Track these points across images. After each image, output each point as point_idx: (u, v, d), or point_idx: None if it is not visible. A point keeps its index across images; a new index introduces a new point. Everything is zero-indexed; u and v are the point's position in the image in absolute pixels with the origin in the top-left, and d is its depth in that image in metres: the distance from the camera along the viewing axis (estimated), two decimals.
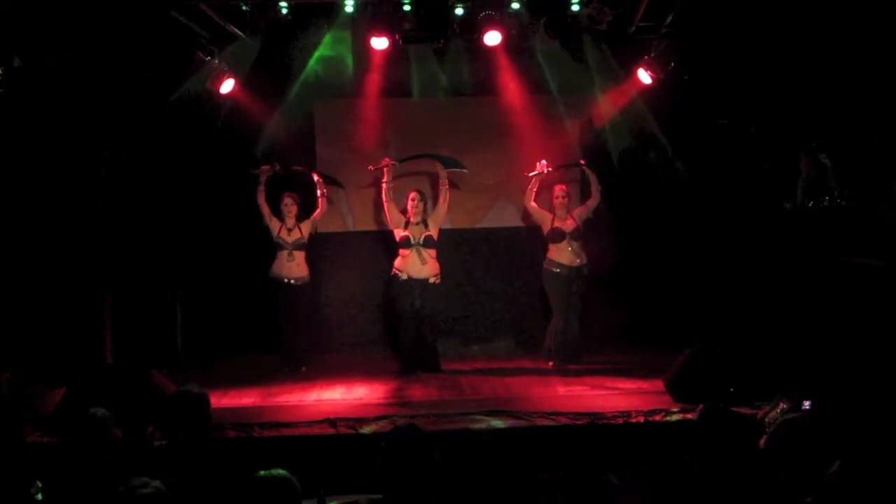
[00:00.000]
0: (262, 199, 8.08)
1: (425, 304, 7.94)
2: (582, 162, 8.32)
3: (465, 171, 8.34)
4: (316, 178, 8.29)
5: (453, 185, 8.36)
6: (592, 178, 8.16)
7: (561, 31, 7.83)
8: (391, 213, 7.96)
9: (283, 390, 7.32)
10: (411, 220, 7.92)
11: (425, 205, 8.05)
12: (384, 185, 7.95)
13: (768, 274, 7.40)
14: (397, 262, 7.97)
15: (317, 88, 9.01)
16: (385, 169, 7.96)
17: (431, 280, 7.94)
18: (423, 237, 7.91)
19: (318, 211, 8.25)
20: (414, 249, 7.88)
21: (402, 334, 8.03)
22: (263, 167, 8.08)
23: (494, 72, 8.72)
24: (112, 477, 3.80)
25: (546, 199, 8.17)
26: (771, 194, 7.77)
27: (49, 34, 7.03)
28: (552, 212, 8.08)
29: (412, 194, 7.99)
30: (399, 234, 7.94)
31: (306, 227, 8.21)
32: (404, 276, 7.90)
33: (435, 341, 8.11)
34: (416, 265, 7.89)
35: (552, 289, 8.11)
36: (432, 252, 7.95)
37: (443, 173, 8.07)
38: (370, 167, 8.20)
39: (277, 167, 8.14)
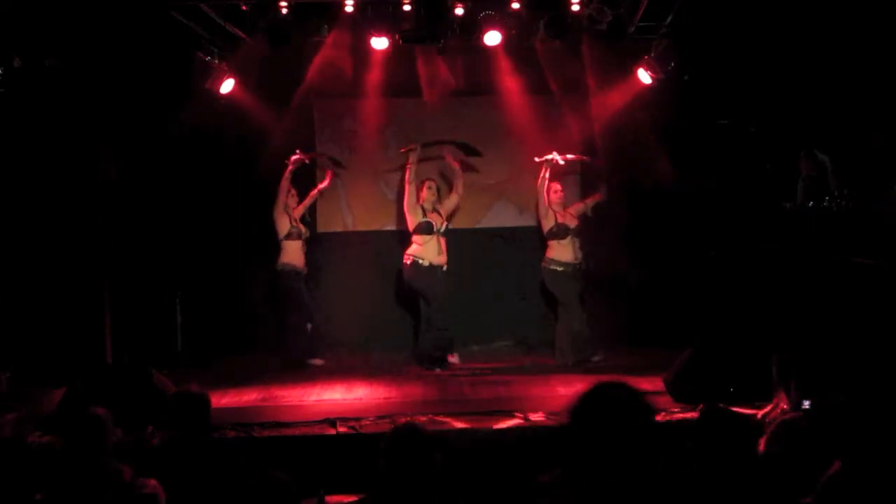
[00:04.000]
0: (290, 184, 8.20)
1: (448, 291, 8.00)
2: (596, 162, 8.29)
3: (480, 155, 8.53)
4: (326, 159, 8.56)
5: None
6: (603, 175, 8.18)
7: (561, 31, 7.83)
8: (411, 196, 7.97)
9: (283, 390, 7.31)
10: (425, 206, 7.97)
11: (438, 195, 8.11)
12: (409, 167, 8.01)
13: (768, 274, 7.40)
14: (415, 249, 7.93)
15: (317, 88, 9.02)
16: (410, 153, 8.05)
17: (446, 268, 7.99)
18: (443, 226, 7.96)
19: (325, 184, 8.51)
20: (435, 237, 7.93)
21: (425, 330, 8.02)
22: (295, 157, 8.21)
23: (494, 72, 8.71)
24: (112, 477, 3.80)
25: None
26: (771, 194, 7.77)
27: (49, 34, 7.02)
28: (550, 207, 8.10)
29: (428, 182, 8.10)
30: (417, 218, 7.94)
31: (297, 212, 8.38)
32: (426, 263, 7.89)
33: (447, 330, 8.13)
34: (435, 252, 7.92)
35: (560, 287, 8.10)
36: (444, 241, 8.00)
37: (457, 167, 8.17)
38: (401, 150, 8.28)
39: (307, 157, 8.33)
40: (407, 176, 8.03)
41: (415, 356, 8.11)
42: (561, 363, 8.05)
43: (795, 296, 6.84)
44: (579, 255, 8.09)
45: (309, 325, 8.32)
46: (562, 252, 8.06)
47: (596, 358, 8.03)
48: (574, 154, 8.25)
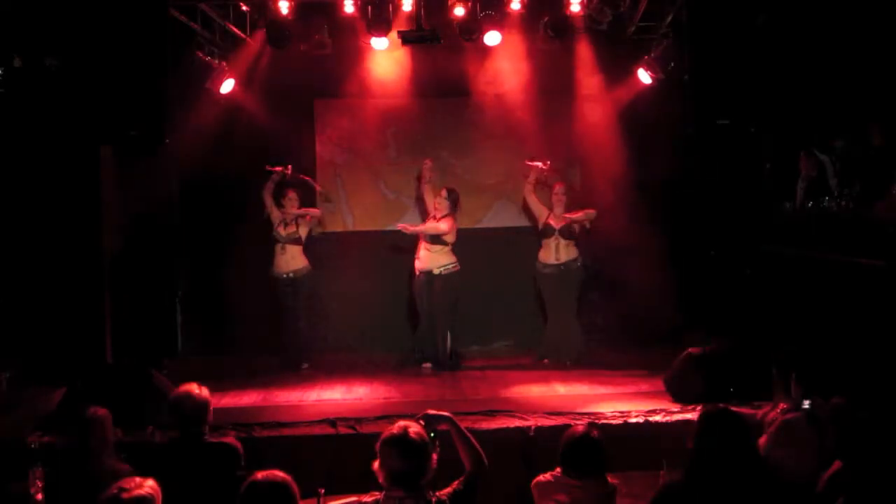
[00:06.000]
0: (268, 193, 8.13)
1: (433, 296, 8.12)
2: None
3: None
4: (317, 188, 8.51)
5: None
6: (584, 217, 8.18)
7: (561, 30, 7.83)
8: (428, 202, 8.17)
9: (283, 390, 7.31)
10: (436, 215, 8.03)
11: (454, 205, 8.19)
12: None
13: (768, 274, 7.40)
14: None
15: (317, 88, 9.03)
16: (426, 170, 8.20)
17: (438, 272, 8.04)
18: (426, 232, 8.03)
19: (309, 217, 8.31)
20: (420, 241, 8.03)
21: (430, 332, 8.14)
22: (277, 168, 8.09)
23: (494, 72, 8.72)
24: (112, 477, 3.80)
25: (546, 195, 8.21)
26: (771, 194, 7.77)
27: (49, 34, 7.02)
28: (550, 209, 8.13)
29: (443, 191, 8.10)
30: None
31: (304, 225, 8.26)
32: (417, 271, 8.07)
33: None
34: (417, 256, 8.05)
35: (544, 289, 8.18)
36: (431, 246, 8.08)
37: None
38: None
39: (289, 171, 8.15)
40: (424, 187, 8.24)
41: (432, 359, 8.12)
42: (555, 362, 8.06)
43: (795, 296, 6.84)
44: (566, 256, 8.06)
45: (299, 329, 8.27)
46: (546, 253, 8.09)
47: (569, 361, 8.05)
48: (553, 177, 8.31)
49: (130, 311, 7.82)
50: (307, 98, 9.15)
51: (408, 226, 8.00)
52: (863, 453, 3.28)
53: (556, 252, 8.05)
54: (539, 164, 8.06)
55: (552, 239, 8.05)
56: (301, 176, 8.33)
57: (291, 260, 8.17)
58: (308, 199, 8.46)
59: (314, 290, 8.52)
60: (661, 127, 8.40)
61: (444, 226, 7.96)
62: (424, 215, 8.48)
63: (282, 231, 8.15)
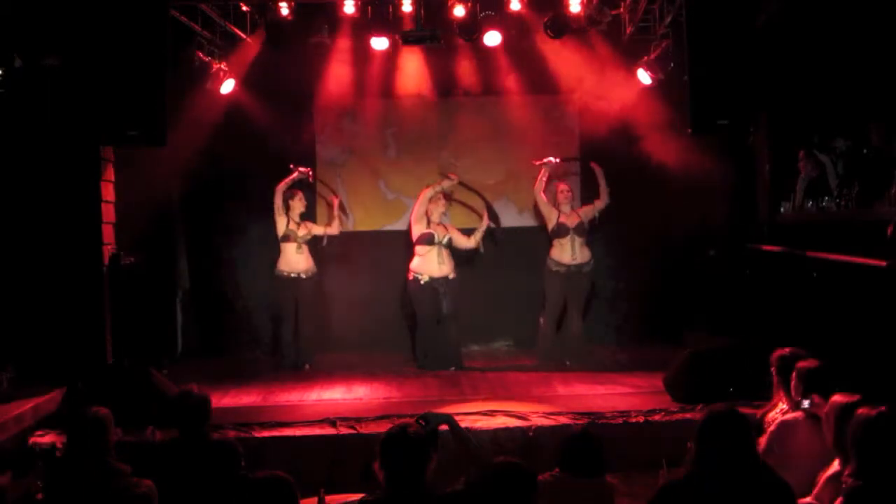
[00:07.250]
0: (282, 192, 8.07)
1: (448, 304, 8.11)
2: (592, 164, 8.29)
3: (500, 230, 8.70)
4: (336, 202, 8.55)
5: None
6: (601, 177, 8.15)
7: (561, 30, 7.84)
8: (421, 206, 8.09)
9: (283, 390, 7.32)
10: (431, 218, 8.02)
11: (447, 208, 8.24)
12: (434, 187, 8.10)
13: (767, 274, 7.40)
14: (416, 263, 8.04)
15: (317, 88, 9.03)
16: (446, 179, 8.21)
17: (453, 276, 8.07)
18: (445, 237, 8.04)
19: (328, 228, 8.36)
20: (436, 248, 8.01)
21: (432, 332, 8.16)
22: (302, 169, 8.11)
23: (494, 72, 8.73)
24: (112, 477, 3.81)
25: (550, 195, 8.21)
26: (770, 194, 7.77)
27: (49, 34, 7.02)
28: (557, 208, 8.12)
29: (443, 199, 8.17)
30: (421, 229, 8.03)
31: (313, 227, 8.31)
32: (424, 279, 8.01)
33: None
34: (435, 264, 8.00)
35: (550, 287, 8.15)
36: (447, 252, 8.10)
37: (485, 223, 8.22)
38: (448, 174, 8.33)
39: (311, 176, 8.20)
40: (427, 192, 8.04)
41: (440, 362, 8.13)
42: (555, 362, 8.06)
43: (795, 296, 6.84)
44: (579, 257, 8.07)
45: (299, 329, 8.26)
46: (560, 252, 8.08)
47: (569, 361, 8.06)
48: (570, 156, 8.31)
49: (130, 311, 7.83)
50: (307, 98, 9.16)
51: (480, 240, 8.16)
52: (863, 453, 3.28)
53: (571, 251, 8.05)
54: (550, 159, 8.07)
55: (567, 238, 8.05)
56: (322, 183, 8.45)
57: (305, 260, 8.19)
58: (309, 201, 8.48)
59: (316, 290, 8.53)
60: (661, 127, 8.39)
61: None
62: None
63: (297, 230, 8.16)
